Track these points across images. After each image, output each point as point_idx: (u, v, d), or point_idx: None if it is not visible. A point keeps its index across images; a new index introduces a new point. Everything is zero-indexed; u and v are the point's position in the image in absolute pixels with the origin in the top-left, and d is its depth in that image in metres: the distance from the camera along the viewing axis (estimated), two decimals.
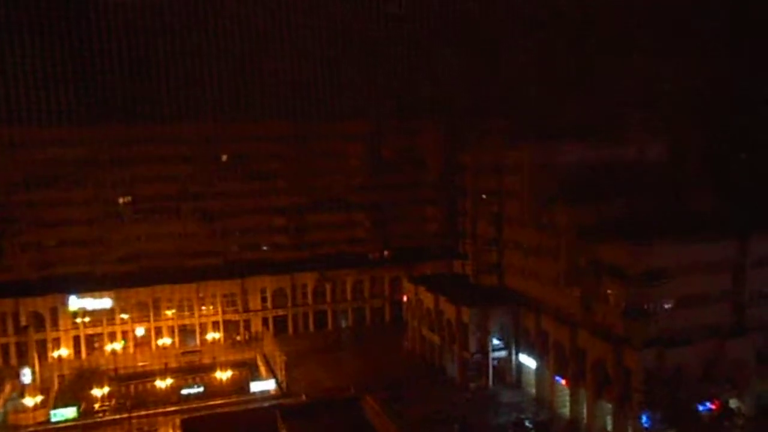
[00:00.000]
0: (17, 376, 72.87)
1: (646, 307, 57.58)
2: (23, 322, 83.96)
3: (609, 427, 58.49)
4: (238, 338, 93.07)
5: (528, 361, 69.92)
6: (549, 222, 67.85)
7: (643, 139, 74.67)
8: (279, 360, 75.34)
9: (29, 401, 68.35)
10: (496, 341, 71.99)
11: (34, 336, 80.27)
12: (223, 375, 74.60)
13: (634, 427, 55.01)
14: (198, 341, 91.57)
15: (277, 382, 73.04)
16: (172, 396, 71.44)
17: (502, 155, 77.37)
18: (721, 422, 56.52)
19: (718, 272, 59.38)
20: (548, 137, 75.41)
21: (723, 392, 57.26)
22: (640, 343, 55.84)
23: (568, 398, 63.57)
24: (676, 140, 76.06)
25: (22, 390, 71.10)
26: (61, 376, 77.72)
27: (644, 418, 53.96)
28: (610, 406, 58.29)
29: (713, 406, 57.25)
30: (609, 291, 60.01)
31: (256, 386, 72.31)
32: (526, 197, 72.54)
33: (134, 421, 65.11)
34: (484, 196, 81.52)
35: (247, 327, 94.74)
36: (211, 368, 78.33)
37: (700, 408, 56.49)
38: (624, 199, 65.40)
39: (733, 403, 58.36)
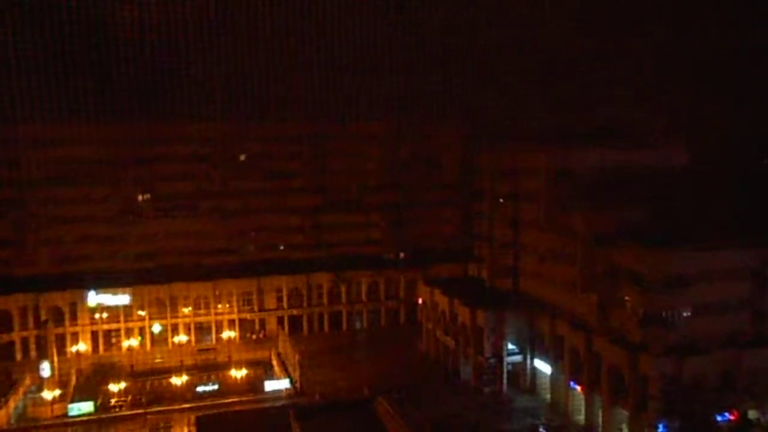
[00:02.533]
0: (36, 369, 73.80)
1: (664, 314, 56.93)
2: (43, 316, 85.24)
3: None
4: (254, 337, 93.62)
5: (543, 366, 69.48)
6: (566, 227, 67.38)
7: (664, 144, 73.93)
8: (293, 360, 75.63)
9: (48, 395, 69.25)
10: (510, 345, 71.63)
11: (54, 330, 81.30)
12: (238, 373, 75.05)
13: None
14: (213, 339, 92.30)
15: (291, 382, 73.32)
16: (187, 393, 71.98)
17: (520, 159, 77.02)
18: None
19: (738, 280, 58.47)
20: (567, 141, 74.94)
21: (742, 402, 56.41)
22: (657, 351, 55.24)
23: (583, 404, 63.08)
24: (697, 146, 75.19)
25: (40, 383, 72.04)
26: (79, 371, 78.66)
27: (661, 427, 53.36)
28: (625, 413, 57.74)
29: (732, 417, 56.44)
30: (626, 297, 59.46)
31: (270, 385, 72.63)
32: (543, 201, 72.12)
33: (150, 416, 65.77)
34: (501, 200, 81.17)
35: (263, 326, 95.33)
36: (226, 366, 78.86)
37: (719, 418, 55.71)
38: (643, 205, 64.70)
39: (752, 414, 57.48)
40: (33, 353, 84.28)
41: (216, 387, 72.86)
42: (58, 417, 66.88)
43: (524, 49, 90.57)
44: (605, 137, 74.67)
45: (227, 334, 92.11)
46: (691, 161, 73.69)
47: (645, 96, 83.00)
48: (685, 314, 57.27)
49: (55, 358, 76.51)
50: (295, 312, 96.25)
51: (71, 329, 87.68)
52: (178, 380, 73.58)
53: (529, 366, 71.22)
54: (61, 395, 70.21)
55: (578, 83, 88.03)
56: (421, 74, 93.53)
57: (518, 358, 71.60)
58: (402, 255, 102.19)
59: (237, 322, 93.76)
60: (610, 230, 62.94)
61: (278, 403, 68.22)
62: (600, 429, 60.47)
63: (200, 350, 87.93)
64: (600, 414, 60.68)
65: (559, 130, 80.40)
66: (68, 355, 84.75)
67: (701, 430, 50.81)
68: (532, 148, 76.15)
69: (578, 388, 63.46)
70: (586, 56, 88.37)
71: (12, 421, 67.74)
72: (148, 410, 67.03)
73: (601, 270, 62.44)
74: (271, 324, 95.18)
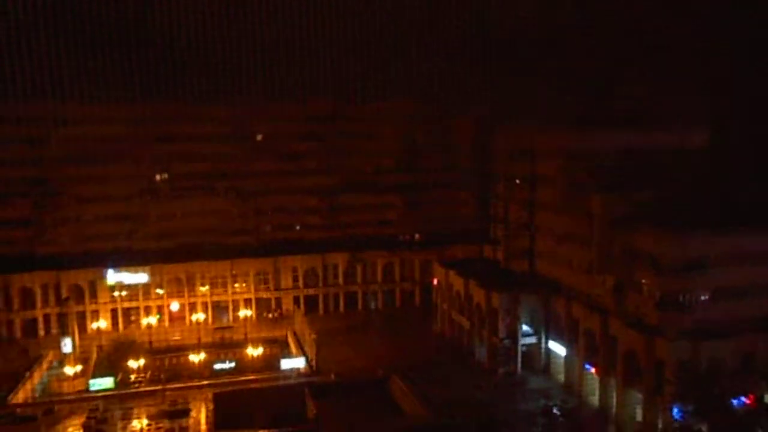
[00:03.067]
0: (58, 345, 75.35)
1: (681, 297, 56.56)
2: (64, 293, 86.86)
3: (639, 418, 57.96)
4: (270, 316, 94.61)
5: (557, 348, 69.53)
6: (583, 209, 66.88)
7: (683, 126, 72.81)
8: (309, 339, 76.39)
9: (69, 370, 70.77)
10: (525, 327, 71.72)
11: (74, 308, 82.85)
12: (255, 351, 76.00)
13: (664, 419, 54.37)
14: (230, 317, 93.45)
15: (307, 361, 74.13)
16: (204, 370, 73.15)
17: (537, 140, 76.36)
18: (757, 418, 55.44)
19: (756, 264, 57.79)
20: (585, 123, 74.07)
21: (758, 387, 56.06)
22: (673, 334, 54.98)
23: (597, 386, 63.14)
24: (717, 127, 73.93)
25: (62, 359, 73.58)
26: (100, 347, 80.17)
27: (675, 411, 53.26)
28: (640, 396, 57.71)
29: (748, 401, 56.14)
30: (643, 280, 59.11)
31: (286, 363, 73.47)
32: (560, 183, 71.59)
33: (168, 393, 66.88)
34: (517, 181, 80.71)
35: (279, 305, 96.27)
36: (243, 344, 79.83)
37: (734, 402, 55.46)
38: (661, 187, 63.98)
39: None
40: (55, 330, 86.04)
41: (233, 365, 73.90)
42: (79, 392, 68.32)
43: (541, 31, 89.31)
44: (623, 119, 73.68)
45: (244, 312, 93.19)
46: (711, 144, 72.54)
47: (664, 77, 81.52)
48: (703, 298, 56.85)
49: (77, 335, 78.03)
50: (311, 291, 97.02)
51: (91, 307, 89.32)
52: (195, 358, 74.72)
53: (543, 347, 71.31)
54: (82, 371, 71.73)
55: (596, 65, 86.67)
56: (437, 55, 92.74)
57: (533, 339, 71.69)
58: (417, 236, 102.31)
59: (254, 301, 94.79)
60: (627, 213, 62.42)
61: (294, 381, 69.04)
62: (614, 411, 60.55)
63: (217, 328, 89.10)
64: (614, 396, 60.73)
65: (576, 111, 79.39)
66: (89, 332, 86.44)
67: (716, 413, 50.59)
68: (549, 129, 75.42)
69: (593, 370, 63.48)
70: (604, 37, 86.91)
71: (36, 394, 69.44)
72: (167, 386, 68.19)
73: (617, 252, 62.05)
74: (288, 303, 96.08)
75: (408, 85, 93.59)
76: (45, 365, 75.60)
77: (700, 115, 75.55)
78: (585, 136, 70.34)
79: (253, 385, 68.09)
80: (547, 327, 70.84)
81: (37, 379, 72.04)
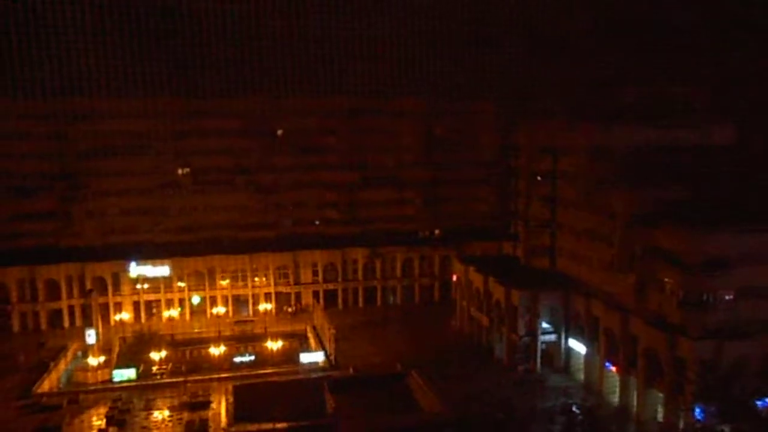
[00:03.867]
0: (82, 336, 76.64)
1: (704, 297, 55.78)
2: (88, 285, 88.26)
3: (660, 417, 57.39)
4: (289, 310, 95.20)
5: (577, 346, 69.03)
6: (605, 206, 66.23)
7: (708, 122, 71.65)
8: (328, 333, 76.72)
9: (93, 361, 71.94)
10: (545, 324, 71.29)
11: (98, 299, 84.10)
12: (274, 345, 76.54)
13: (686, 419, 53.75)
14: (251, 311, 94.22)
15: (326, 355, 74.48)
16: (224, 363, 73.87)
17: (558, 136, 75.67)
18: None
19: None
20: (607, 118, 73.21)
21: None
22: (696, 334, 54.28)
23: (617, 385, 62.58)
24: (743, 123, 72.61)
25: (86, 350, 74.82)
26: (122, 339, 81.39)
27: (697, 411, 52.61)
28: (661, 395, 57.10)
29: None
30: (666, 279, 58.38)
31: (305, 357, 73.94)
32: (581, 180, 70.92)
33: (189, 385, 67.67)
34: (538, 178, 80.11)
35: (298, 299, 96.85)
36: (263, 338, 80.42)
37: (758, 403, 54.60)
38: (685, 184, 63.07)
39: None
40: (79, 321, 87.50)
41: (252, 358, 74.53)
42: (103, 382, 69.47)
43: (562, 25, 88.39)
44: (646, 114, 72.69)
45: (264, 306, 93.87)
46: (736, 140, 71.26)
47: (689, 72, 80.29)
48: (727, 297, 55.99)
49: (100, 326, 79.22)
50: (330, 286, 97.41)
51: (114, 299, 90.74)
52: (216, 350, 75.50)
53: (563, 345, 70.84)
54: (105, 362, 72.92)
55: (620, 59, 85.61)
56: (458, 50, 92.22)
57: (552, 337, 71.25)
58: (437, 232, 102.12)
59: (273, 295, 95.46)
60: (649, 210, 61.66)
61: (313, 375, 69.38)
62: (634, 410, 60.00)
63: (237, 322, 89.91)
64: (635, 395, 60.16)
65: (598, 107, 78.55)
66: (112, 324, 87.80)
67: (740, 415, 49.85)
68: (570, 125, 74.70)
69: (613, 368, 62.93)
70: (628, 31, 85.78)
71: (61, 384, 70.74)
72: (188, 378, 69.01)
73: (639, 250, 61.34)
74: (307, 297, 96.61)
75: (428, 80, 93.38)
76: (70, 356, 76.99)
77: (725, 110, 74.35)
78: (608, 132, 69.47)
79: (272, 379, 68.61)
80: (567, 325, 70.34)
81: (62, 369, 73.40)
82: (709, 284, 55.61)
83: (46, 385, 68.55)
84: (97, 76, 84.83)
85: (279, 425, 56.71)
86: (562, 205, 75.29)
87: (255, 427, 57.09)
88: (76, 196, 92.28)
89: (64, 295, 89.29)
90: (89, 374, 70.59)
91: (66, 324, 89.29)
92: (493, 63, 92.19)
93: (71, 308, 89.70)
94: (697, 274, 55.51)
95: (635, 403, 60.04)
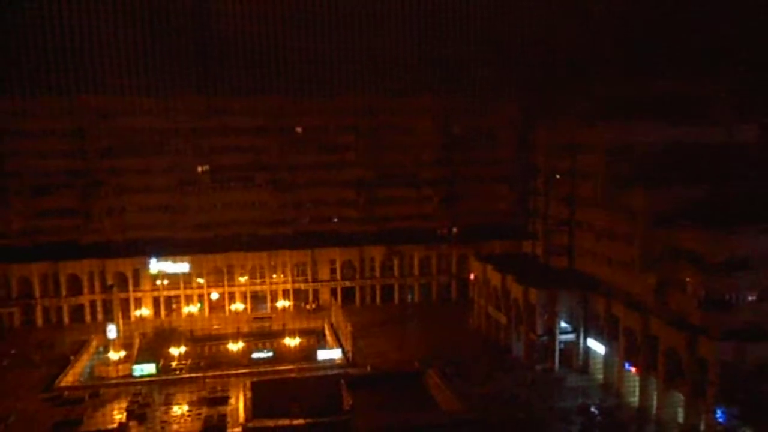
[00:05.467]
0: (103, 331, 77.61)
1: (726, 297, 55.05)
2: (109, 281, 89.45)
3: (680, 419, 56.77)
4: (307, 307, 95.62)
5: (596, 346, 68.50)
6: (625, 205, 65.60)
7: (731, 120, 70.60)
8: (346, 330, 76.94)
9: (114, 355, 72.89)
10: (563, 324, 70.83)
11: (119, 295, 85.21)
12: (292, 342, 76.95)
13: (707, 421, 53.12)
14: (269, 308, 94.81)
15: (344, 352, 74.71)
16: (243, 359, 74.41)
17: (577, 134, 75.07)
18: None
19: None
20: (627, 116, 72.46)
21: None
22: (718, 335, 53.56)
23: (637, 386, 61.96)
24: (766, 122, 71.46)
25: (107, 344, 75.78)
26: (142, 334, 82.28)
27: (719, 413, 51.99)
28: (682, 397, 56.48)
29: None
30: (687, 279, 57.69)
31: (322, 354, 74.23)
32: (601, 178, 70.30)
33: (208, 380, 68.29)
34: (557, 176, 79.56)
35: (316, 296, 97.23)
36: (281, 334, 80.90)
37: None
38: (707, 183, 62.23)
39: None
40: (100, 316, 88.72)
41: (270, 354, 74.98)
42: (123, 377, 70.36)
43: (581, 20, 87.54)
44: (668, 112, 71.79)
45: (282, 303, 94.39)
46: (760, 138, 70.13)
47: (712, 69, 79.08)
48: (750, 298, 55.20)
49: (120, 322, 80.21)
50: (348, 284, 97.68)
51: (135, 294, 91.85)
52: (234, 346, 76.09)
53: (581, 345, 70.33)
54: (126, 356, 73.81)
55: (640, 55, 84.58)
56: (476, 48, 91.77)
57: (571, 337, 70.76)
58: (455, 230, 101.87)
59: (291, 291, 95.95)
60: (671, 209, 60.93)
61: (330, 372, 69.64)
62: (654, 412, 59.41)
63: (256, 318, 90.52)
64: (655, 397, 59.55)
65: (618, 104, 77.71)
66: (132, 319, 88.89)
67: (762, 417, 49.18)
68: (590, 122, 74.05)
69: (632, 369, 62.36)
70: (648, 26, 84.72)
71: (82, 379, 71.80)
72: (207, 374, 69.67)
73: (660, 250, 60.67)
74: (325, 295, 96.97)
75: (445, 78, 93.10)
76: (91, 350, 78.07)
77: (749, 108, 73.19)
78: (628, 129, 68.80)
79: (290, 375, 68.95)
80: (586, 325, 69.79)
81: (84, 363, 74.47)
82: (731, 285, 54.86)
83: (68, 379, 69.61)
84: (117, 73, 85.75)
85: (296, 421, 57.04)
86: (581, 204, 74.69)
87: (273, 422, 57.42)
88: (96, 193, 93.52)
89: (85, 290, 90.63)
90: (110, 368, 71.50)
91: (87, 319, 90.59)
92: (512, 60, 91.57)
93: (93, 303, 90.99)
94: (720, 275, 54.78)
95: (655, 404, 59.44)
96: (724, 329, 53.89)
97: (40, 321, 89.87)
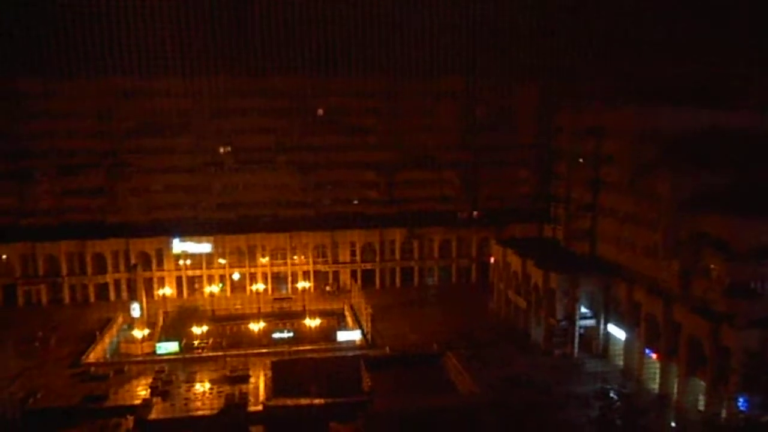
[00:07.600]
0: (128, 309, 79.09)
1: (752, 285, 54.18)
2: (133, 260, 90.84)
3: (701, 406, 56.31)
4: (328, 288, 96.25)
5: (616, 332, 68.04)
6: (650, 190, 64.61)
7: (760, 104, 68.87)
8: (365, 312, 77.37)
9: (138, 333, 74.26)
10: (584, 309, 70.39)
11: (142, 274, 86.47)
12: (312, 323, 77.60)
13: (729, 408, 52.57)
14: (289, 289, 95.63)
15: (363, 333, 75.20)
16: (263, 339, 75.34)
17: (601, 118, 73.89)
18: None
19: None
20: (653, 100, 71.08)
21: None
22: (742, 323, 52.82)
23: (657, 372, 61.53)
24: None
25: (131, 322, 77.25)
26: (165, 313, 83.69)
27: (741, 401, 51.43)
28: (703, 384, 55.97)
29: None
30: (712, 266, 56.83)
31: (342, 335, 74.79)
32: (625, 163, 69.21)
33: (229, 359, 69.29)
34: (580, 160, 78.55)
35: (336, 278, 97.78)
36: (301, 315, 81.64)
37: None
38: (734, 169, 60.95)
39: None
40: (124, 294, 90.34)
41: (291, 334, 75.77)
42: (147, 354, 71.71)
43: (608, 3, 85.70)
44: (695, 96, 70.29)
45: (302, 284, 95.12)
46: None
47: (743, 53, 77.04)
48: None
49: (144, 300, 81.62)
50: (368, 266, 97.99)
51: (158, 274, 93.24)
52: (255, 326, 77.00)
53: (602, 331, 69.90)
54: (149, 335, 75.16)
55: (669, 38, 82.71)
56: (500, 30, 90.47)
57: (591, 322, 70.34)
58: (475, 213, 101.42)
59: (312, 273, 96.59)
60: (697, 195, 59.89)
61: (350, 353, 70.18)
62: (675, 398, 59.00)
63: (276, 299, 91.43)
64: (676, 383, 59.10)
65: (645, 88, 76.22)
66: (156, 298, 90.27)
67: None
68: (616, 106, 72.77)
69: (653, 355, 61.88)
70: (679, 7, 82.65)
71: (107, 355, 73.35)
72: (228, 353, 70.69)
73: (685, 236, 59.77)
74: (345, 276, 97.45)
75: (467, 60, 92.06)
76: (115, 328, 79.61)
77: None
78: (654, 113, 67.49)
79: (309, 355, 69.61)
80: (607, 310, 69.29)
81: (108, 340, 76.02)
82: (757, 272, 54.00)
83: (93, 355, 71.14)
84: (142, 55, 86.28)
85: (316, 401, 57.72)
86: (604, 189, 73.76)
87: (292, 401, 58.23)
88: (121, 174, 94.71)
89: (110, 269, 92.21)
90: (133, 346, 72.89)
91: (112, 297, 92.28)
92: (537, 44, 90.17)
93: (117, 282, 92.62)
94: (745, 262, 53.91)
95: (675, 391, 59.02)
96: (749, 317, 53.13)
97: (67, 299, 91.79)
